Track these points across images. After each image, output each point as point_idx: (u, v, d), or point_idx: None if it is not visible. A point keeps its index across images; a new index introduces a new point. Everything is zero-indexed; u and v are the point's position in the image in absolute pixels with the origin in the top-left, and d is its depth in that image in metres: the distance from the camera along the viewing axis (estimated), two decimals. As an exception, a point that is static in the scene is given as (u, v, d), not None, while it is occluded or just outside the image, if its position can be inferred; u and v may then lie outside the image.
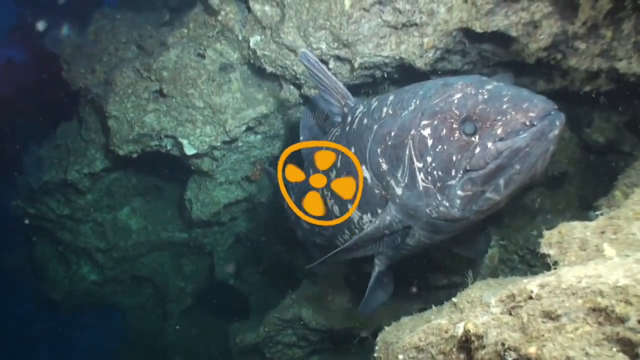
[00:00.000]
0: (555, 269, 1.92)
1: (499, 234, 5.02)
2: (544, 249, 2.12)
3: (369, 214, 3.42)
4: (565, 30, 3.84)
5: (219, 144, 5.83)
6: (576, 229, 2.09)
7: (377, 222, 3.23)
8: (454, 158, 2.71)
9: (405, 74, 4.94)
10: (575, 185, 5.14)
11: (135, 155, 6.17)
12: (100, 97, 5.98)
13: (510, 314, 1.72)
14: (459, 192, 2.75)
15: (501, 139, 2.57)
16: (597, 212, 2.48)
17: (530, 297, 1.67)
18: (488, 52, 4.55)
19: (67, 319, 10.31)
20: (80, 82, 6.34)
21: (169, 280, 9.16)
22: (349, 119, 3.58)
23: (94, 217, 8.13)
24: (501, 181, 2.65)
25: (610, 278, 1.52)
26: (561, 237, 2.10)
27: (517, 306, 1.70)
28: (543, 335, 1.56)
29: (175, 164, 6.68)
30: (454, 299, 2.37)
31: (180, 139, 5.80)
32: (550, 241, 2.12)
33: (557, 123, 2.51)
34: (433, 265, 5.26)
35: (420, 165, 2.86)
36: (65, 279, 9.02)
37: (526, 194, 5.20)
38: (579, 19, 3.76)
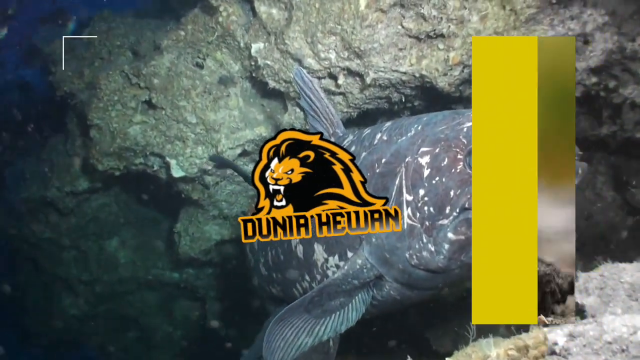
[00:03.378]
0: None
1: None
2: (576, 298, 1.70)
3: (336, 257, 3.06)
4: (623, 48, 3.26)
5: (210, 167, 5.26)
6: (625, 271, 1.70)
7: (345, 267, 2.87)
8: (452, 193, 2.41)
9: (428, 101, 4.32)
10: (617, 254, 4.46)
11: (117, 174, 5.65)
12: (83, 104, 5.47)
13: (520, 377, 1.31)
14: (450, 235, 2.41)
15: None
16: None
17: (553, 353, 1.30)
18: (525, 79, 3.89)
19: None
20: (66, 86, 5.85)
21: (157, 324, 8.53)
22: None
23: (77, 245, 7.59)
24: None
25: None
26: (603, 281, 1.71)
27: (530, 365, 1.28)
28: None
29: (170, 193, 6.09)
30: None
31: (168, 159, 5.26)
32: (586, 286, 1.72)
33: (579, 171, 2.24)
34: (434, 323, 4.71)
35: (410, 198, 2.53)
36: (45, 310, 8.47)
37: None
38: (642, 35, 3.11)
